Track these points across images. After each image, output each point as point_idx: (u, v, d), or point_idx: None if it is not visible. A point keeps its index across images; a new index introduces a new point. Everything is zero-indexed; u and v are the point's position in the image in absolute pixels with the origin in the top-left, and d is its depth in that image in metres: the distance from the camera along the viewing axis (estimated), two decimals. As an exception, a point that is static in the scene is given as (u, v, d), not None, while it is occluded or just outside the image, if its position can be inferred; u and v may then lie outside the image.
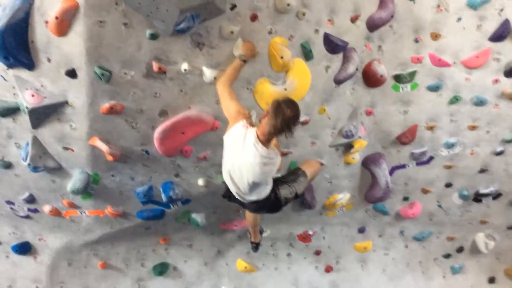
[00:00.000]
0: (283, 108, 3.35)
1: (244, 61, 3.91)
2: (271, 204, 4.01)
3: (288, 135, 3.44)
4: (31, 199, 5.02)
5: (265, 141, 3.48)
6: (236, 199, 3.99)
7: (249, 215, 4.70)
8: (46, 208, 5.12)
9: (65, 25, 3.59)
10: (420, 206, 6.35)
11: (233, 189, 3.84)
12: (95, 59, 3.74)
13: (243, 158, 3.56)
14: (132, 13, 3.60)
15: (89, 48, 3.68)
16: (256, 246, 5.19)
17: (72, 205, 5.02)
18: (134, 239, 5.77)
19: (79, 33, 3.61)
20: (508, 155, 5.93)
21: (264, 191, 3.88)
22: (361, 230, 6.52)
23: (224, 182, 3.96)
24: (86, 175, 4.58)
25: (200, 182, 4.90)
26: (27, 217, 5.33)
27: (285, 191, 4.03)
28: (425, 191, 6.22)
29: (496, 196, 6.40)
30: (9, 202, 5.17)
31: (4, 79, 4.05)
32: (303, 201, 5.68)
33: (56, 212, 5.15)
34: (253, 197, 3.87)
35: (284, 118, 3.33)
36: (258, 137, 3.45)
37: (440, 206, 6.44)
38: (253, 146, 3.46)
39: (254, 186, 3.72)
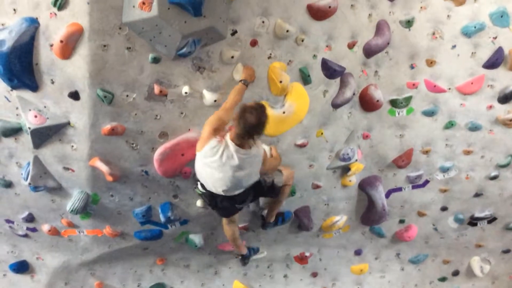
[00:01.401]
0: (246, 115, 3.57)
1: (246, 85, 4.01)
2: (254, 188, 4.20)
3: (256, 136, 3.72)
4: (30, 218, 5.04)
5: (240, 144, 3.72)
6: (213, 198, 4.20)
7: (227, 228, 4.82)
8: (45, 227, 5.14)
9: (70, 48, 3.68)
10: (416, 229, 6.37)
11: (217, 191, 4.05)
12: (98, 82, 3.82)
13: (227, 170, 3.80)
14: (135, 38, 3.70)
15: (93, 71, 3.75)
16: (243, 259, 5.29)
17: (71, 225, 5.04)
18: (131, 259, 5.77)
19: (83, 56, 3.69)
20: (503, 180, 5.98)
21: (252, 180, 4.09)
22: (358, 253, 6.53)
23: (201, 193, 4.26)
24: (86, 195, 4.61)
25: (198, 203, 4.93)
26: (26, 236, 5.34)
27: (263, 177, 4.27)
28: (421, 214, 6.26)
29: (491, 220, 6.44)
30: (8, 221, 5.18)
31: (8, 100, 4.12)
32: (300, 223, 5.71)
33: (55, 231, 5.17)
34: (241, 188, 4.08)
35: (246, 124, 3.56)
36: (233, 142, 3.70)
37: (435, 229, 6.47)
38: (235, 153, 3.72)
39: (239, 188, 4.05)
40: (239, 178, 3.89)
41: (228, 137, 3.75)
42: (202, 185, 4.14)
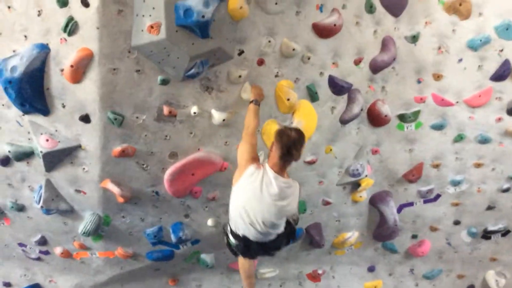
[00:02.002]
0: (286, 132, 3.47)
1: (258, 105, 3.97)
2: (287, 233, 3.92)
3: (296, 159, 3.50)
4: (42, 241, 5.07)
5: (279, 171, 3.51)
6: (247, 248, 3.84)
7: (244, 263, 4.43)
8: (58, 250, 5.16)
9: (80, 72, 3.74)
10: (429, 243, 6.32)
11: (252, 234, 3.68)
12: (108, 105, 3.87)
13: (266, 198, 3.48)
14: (144, 60, 3.75)
15: (103, 94, 3.81)
16: None
17: (83, 247, 5.06)
18: (143, 280, 5.76)
19: (93, 80, 3.75)
20: (515, 192, 5.95)
21: (283, 224, 3.80)
22: (371, 269, 6.47)
23: (233, 245, 3.87)
24: (97, 217, 4.64)
25: (209, 222, 4.93)
26: (38, 259, 5.37)
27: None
28: (433, 229, 6.21)
29: (505, 233, 6.37)
30: (21, 244, 5.22)
31: (20, 125, 4.19)
32: (311, 240, 5.69)
33: (67, 254, 5.19)
34: (274, 233, 3.77)
35: (290, 140, 3.41)
36: (272, 169, 3.49)
37: (449, 243, 6.41)
38: (274, 180, 3.46)
39: (275, 223, 3.67)
40: (280, 208, 3.54)
41: (266, 164, 3.57)
42: (234, 235, 3.81)
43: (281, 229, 3.77)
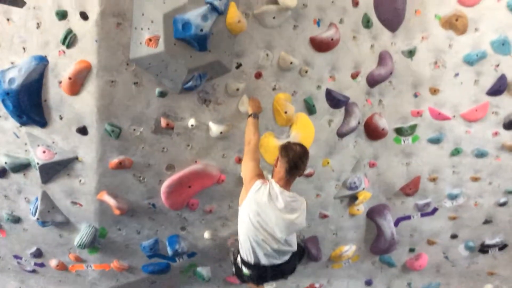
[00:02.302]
0: (291, 146, 3.53)
1: (257, 118, 4.00)
2: (299, 252, 3.89)
3: (301, 173, 3.57)
4: (38, 254, 5.03)
5: (285, 186, 3.53)
6: (261, 276, 3.76)
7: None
8: (53, 263, 5.12)
9: (78, 85, 3.75)
10: (426, 257, 6.30)
11: (265, 255, 3.62)
12: (106, 117, 3.87)
13: (275, 211, 3.45)
14: (142, 73, 3.77)
15: (101, 106, 3.82)
16: None
17: (79, 259, 5.02)
18: (139, 293, 5.73)
19: (91, 93, 3.76)
20: (512, 206, 5.95)
21: (295, 241, 3.77)
22: (368, 283, 6.44)
23: (246, 275, 3.79)
24: (93, 229, 4.62)
25: (206, 235, 4.91)
26: (34, 271, 5.32)
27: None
28: (431, 242, 6.20)
29: (502, 247, 6.36)
30: (16, 257, 5.18)
31: (17, 136, 4.18)
32: (308, 254, 5.66)
33: (63, 267, 5.15)
34: (288, 251, 3.72)
35: (295, 154, 3.47)
36: (277, 184, 3.51)
37: (446, 257, 6.39)
38: (280, 194, 3.46)
39: (287, 238, 3.62)
40: (289, 222, 3.49)
41: (272, 179, 3.58)
42: (246, 264, 3.74)
43: (294, 246, 3.74)
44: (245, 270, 3.77)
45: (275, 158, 3.62)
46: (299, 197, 3.63)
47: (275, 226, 3.49)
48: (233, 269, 3.99)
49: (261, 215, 3.48)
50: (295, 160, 3.47)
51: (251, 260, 3.67)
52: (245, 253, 3.68)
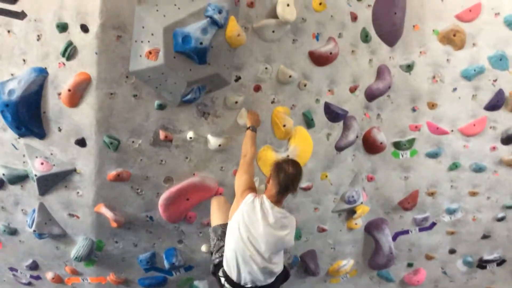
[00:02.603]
0: (284, 166, 3.46)
1: (255, 131, 4.00)
2: (283, 276, 3.76)
3: (293, 192, 3.52)
4: (34, 266, 4.99)
5: (276, 202, 3.47)
6: None
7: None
8: (49, 275, 5.07)
9: (77, 96, 3.76)
10: (424, 272, 6.27)
11: (246, 275, 3.48)
12: (104, 129, 3.87)
13: (265, 226, 3.38)
14: (141, 85, 3.78)
15: (100, 118, 3.82)
16: None
17: (75, 272, 4.97)
18: (135, 307, 5.68)
19: (90, 104, 3.77)
20: (510, 221, 5.94)
21: (281, 261, 3.66)
22: (366, 298, 6.41)
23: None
24: (90, 242, 4.59)
25: (203, 248, 4.88)
26: (29, 284, 5.26)
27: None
28: (429, 257, 6.17)
29: (501, 262, 6.34)
30: (12, 269, 5.13)
31: (15, 148, 4.17)
32: (306, 268, 5.63)
33: (59, 279, 5.10)
34: (272, 276, 3.57)
35: (286, 175, 3.41)
36: (268, 199, 3.46)
37: (445, 272, 6.36)
38: (270, 210, 3.41)
39: (274, 256, 3.50)
40: (278, 238, 3.42)
41: (263, 195, 3.51)
42: (229, 281, 3.60)
43: (280, 266, 3.62)
44: (226, 285, 3.64)
45: (268, 174, 3.59)
46: (289, 215, 3.56)
47: (262, 242, 3.38)
48: (211, 269, 3.86)
49: (251, 230, 3.39)
50: (286, 183, 3.41)
51: (234, 277, 3.54)
52: (230, 268, 3.55)
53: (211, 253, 3.95)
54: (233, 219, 3.50)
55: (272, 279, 3.59)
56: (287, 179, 3.41)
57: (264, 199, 3.46)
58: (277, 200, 3.48)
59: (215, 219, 4.10)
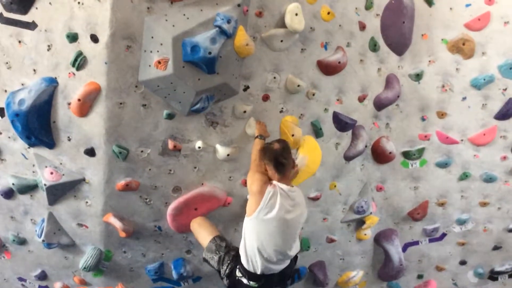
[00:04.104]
0: (268, 147, 3.68)
1: (264, 139, 4.05)
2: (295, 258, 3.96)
3: (291, 165, 3.68)
4: (43, 276, 4.99)
5: (287, 182, 3.67)
6: (261, 284, 3.74)
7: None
8: (57, 286, 5.07)
9: (87, 106, 3.77)
10: (435, 284, 6.20)
11: (273, 265, 3.66)
12: (114, 139, 3.88)
13: (290, 212, 3.59)
14: (150, 95, 3.79)
15: (109, 128, 3.83)
16: None
17: (83, 282, 4.97)
18: (143, 318, 5.65)
19: (99, 114, 3.78)
20: (522, 232, 5.87)
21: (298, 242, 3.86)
22: (376, 310, 6.34)
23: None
24: (99, 252, 4.58)
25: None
26: (38, 294, 5.29)
27: None
28: (439, 269, 6.11)
29: (512, 274, 6.28)
30: (21, 279, 5.14)
31: (25, 157, 4.20)
32: (315, 279, 5.59)
33: (67, 290, 5.11)
34: (294, 252, 3.79)
35: (273, 152, 3.61)
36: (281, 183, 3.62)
37: (455, 284, 6.29)
38: (288, 192, 3.59)
39: (295, 240, 3.76)
40: (299, 215, 3.69)
41: (275, 182, 3.64)
42: (252, 276, 3.70)
43: (298, 246, 3.84)
44: (251, 283, 3.72)
45: (262, 165, 3.74)
46: (297, 189, 3.75)
47: (287, 229, 3.60)
48: (226, 283, 3.95)
49: (279, 221, 3.54)
50: (275, 157, 3.60)
51: (258, 270, 3.65)
52: (253, 264, 3.65)
53: (219, 272, 4.00)
54: (254, 217, 3.57)
55: (288, 263, 3.81)
56: (275, 154, 3.60)
57: (279, 185, 3.60)
58: (284, 179, 3.66)
59: (204, 238, 4.15)
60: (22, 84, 3.88)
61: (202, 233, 4.18)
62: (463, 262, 6.10)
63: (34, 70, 3.83)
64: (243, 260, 3.69)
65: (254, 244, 3.58)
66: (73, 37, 3.63)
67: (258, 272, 3.65)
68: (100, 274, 4.86)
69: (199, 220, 4.30)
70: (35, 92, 3.78)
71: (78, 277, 4.93)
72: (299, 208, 3.68)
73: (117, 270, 4.86)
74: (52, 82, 3.79)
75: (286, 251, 3.67)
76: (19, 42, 3.78)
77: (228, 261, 3.86)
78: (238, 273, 3.77)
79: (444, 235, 5.81)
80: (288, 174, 3.70)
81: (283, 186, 3.60)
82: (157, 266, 4.84)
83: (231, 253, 3.90)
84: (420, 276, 6.14)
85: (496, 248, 6.00)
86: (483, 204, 5.62)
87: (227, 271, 3.86)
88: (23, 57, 3.82)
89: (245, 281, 3.73)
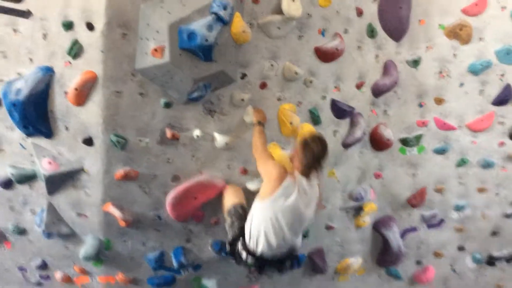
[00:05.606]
0: (311, 145, 3.55)
1: (263, 125, 4.05)
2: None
3: (319, 170, 3.65)
4: (43, 266, 5.00)
5: (307, 175, 3.64)
6: (257, 264, 3.83)
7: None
8: (58, 275, 5.09)
9: (84, 95, 3.77)
10: (433, 270, 6.23)
11: (274, 249, 3.71)
12: (111, 128, 3.88)
13: (302, 210, 3.64)
14: (147, 83, 3.79)
15: (106, 117, 3.83)
16: None
17: (84, 272, 4.98)
18: (144, 306, 5.68)
19: (97, 103, 3.78)
20: (520, 218, 5.90)
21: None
22: (375, 296, 6.38)
23: (250, 264, 3.81)
24: (99, 241, 4.60)
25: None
26: (39, 284, 5.27)
27: None
28: (437, 255, 6.13)
29: (510, 259, 6.29)
30: (21, 269, 5.15)
31: (23, 147, 4.19)
32: (314, 266, 5.62)
33: (68, 279, 5.11)
34: (293, 245, 3.84)
35: (314, 155, 3.54)
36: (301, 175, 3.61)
37: (453, 270, 6.32)
38: (306, 187, 3.61)
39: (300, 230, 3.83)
40: (307, 215, 3.73)
41: (296, 171, 3.65)
42: (251, 254, 3.77)
43: (300, 241, 3.91)
44: (249, 260, 3.78)
45: (294, 149, 3.71)
46: (315, 184, 3.74)
47: (298, 221, 3.67)
48: (228, 249, 4.02)
49: (292, 211, 3.58)
50: (313, 162, 3.57)
51: (258, 251, 3.71)
52: (255, 244, 3.71)
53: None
54: (268, 202, 3.58)
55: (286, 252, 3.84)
56: (315, 160, 3.57)
57: (300, 178, 3.60)
58: (307, 175, 3.63)
59: (228, 201, 4.20)
60: (19, 74, 3.87)
61: (231, 197, 4.23)
62: (461, 248, 6.12)
63: (30, 59, 3.82)
64: (246, 236, 3.75)
65: (261, 227, 3.62)
66: (68, 26, 3.63)
67: (257, 253, 3.71)
68: (101, 263, 4.87)
69: (234, 188, 4.35)
70: (32, 81, 3.77)
71: (79, 266, 4.93)
72: (313, 202, 3.73)
73: (117, 259, 4.87)
74: (49, 71, 3.79)
75: (288, 241, 3.71)
76: (14, 31, 3.77)
77: (235, 229, 3.92)
78: (239, 245, 3.82)
79: (442, 221, 5.83)
80: (312, 172, 3.68)
81: (303, 179, 3.61)
82: (157, 255, 4.85)
83: (242, 222, 3.93)
84: (418, 262, 6.16)
85: (493, 233, 6.03)
86: (481, 190, 5.63)
87: (230, 238, 3.92)
88: (18, 46, 3.81)
89: (244, 255, 3.78)
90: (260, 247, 3.68)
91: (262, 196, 3.64)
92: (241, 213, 4.02)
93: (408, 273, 6.23)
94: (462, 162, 5.40)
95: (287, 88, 4.28)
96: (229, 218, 4.04)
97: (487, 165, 5.45)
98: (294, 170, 3.66)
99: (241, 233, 3.87)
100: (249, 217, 3.75)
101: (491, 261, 6.29)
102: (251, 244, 3.73)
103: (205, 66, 3.68)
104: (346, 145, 4.84)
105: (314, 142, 3.58)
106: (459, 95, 5.03)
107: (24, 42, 3.78)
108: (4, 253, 5.07)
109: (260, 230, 3.63)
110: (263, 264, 3.80)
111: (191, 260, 4.92)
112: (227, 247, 4.01)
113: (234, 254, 3.94)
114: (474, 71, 4.93)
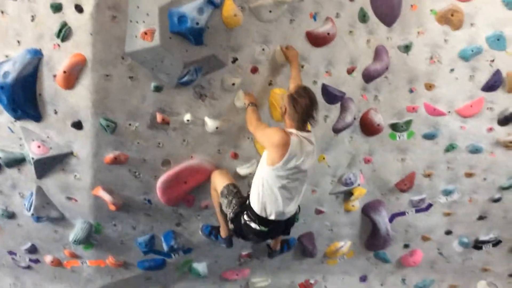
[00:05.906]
0: (298, 100, 3.53)
1: (256, 105, 4.02)
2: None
3: (312, 122, 3.66)
4: (33, 249, 5.01)
5: (304, 128, 3.67)
6: (274, 231, 3.97)
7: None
8: (48, 259, 5.10)
9: (73, 78, 3.73)
10: (421, 253, 6.32)
11: (286, 210, 3.76)
12: (101, 111, 3.85)
13: (312, 156, 3.71)
14: (137, 67, 3.75)
15: (95, 101, 3.80)
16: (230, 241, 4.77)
17: (74, 255, 5.00)
18: (134, 289, 5.71)
19: (86, 86, 3.74)
20: (506, 202, 5.95)
21: None
22: (363, 279, 6.45)
23: (262, 231, 3.84)
24: (89, 225, 4.60)
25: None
26: (28, 267, 5.30)
27: None
28: (425, 239, 6.21)
29: (496, 243, 6.38)
30: (11, 253, 5.16)
31: (11, 131, 4.15)
32: (304, 250, 5.67)
33: (58, 263, 5.13)
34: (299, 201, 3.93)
35: (303, 108, 3.53)
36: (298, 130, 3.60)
37: (441, 253, 6.41)
38: (306, 139, 3.61)
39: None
40: (312, 166, 3.78)
41: (292, 130, 3.60)
42: (262, 221, 3.78)
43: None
44: (261, 227, 3.79)
45: (282, 107, 3.68)
46: (311, 134, 3.74)
47: (305, 177, 3.76)
48: (231, 227, 4.05)
49: (301, 171, 3.64)
50: (304, 116, 3.57)
51: (273, 215, 3.74)
52: (267, 211, 3.72)
53: (227, 217, 4.06)
54: (279, 164, 3.53)
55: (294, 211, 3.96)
56: (305, 113, 3.55)
57: (297, 133, 3.58)
58: (302, 128, 3.64)
59: (220, 184, 4.18)
60: (6, 56, 3.81)
61: (220, 180, 4.21)
62: (448, 232, 6.20)
63: (18, 42, 3.76)
64: (255, 206, 3.73)
65: (275, 190, 3.62)
66: (57, 7, 3.57)
67: (272, 217, 3.73)
68: (91, 247, 4.89)
69: (220, 171, 4.36)
70: (20, 64, 3.73)
71: (69, 250, 4.95)
72: (315, 151, 3.76)
73: (107, 243, 4.89)
74: (37, 54, 3.74)
75: (299, 200, 3.86)
76: (2, 12, 3.70)
77: (234, 206, 3.93)
78: (245, 217, 3.82)
79: (430, 205, 5.89)
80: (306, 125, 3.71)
81: (303, 133, 3.60)
82: (148, 238, 4.87)
83: (239, 199, 3.96)
84: (406, 246, 6.24)
85: (481, 218, 6.10)
86: (469, 175, 5.68)
87: (231, 215, 3.93)
88: (6, 28, 3.75)
89: (253, 225, 3.79)
90: (274, 212, 3.72)
91: (270, 163, 3.56)
92: (236, 190, 4.05)
93: (396, 256, 6.32)
94: (450, 148, 5.43)
95: (278, 72, 4.26)
96: (225, 198, 4.03)
97: (475, 150, 5.48)
98: (289, 128, 3.62)
99: (240, 207, 3.89)
100: (256, 185, 3.72)
101: (478, 245, 6.38)
102: (263, 212, 3.73)
103: (196, 50, 3.65)
104: (336, 130, 4.85)
105: (301, 97, 3.54)
106: (450, 81, 5.04)
107: (12, 24, 3.71)
108: (-7, 237, 5.07)
109: (276, 194, 3.64)
110: (276, 228, 3.88)
111: (182, 244, 4.95)
112: (231, 226, 4.04)
113: (238, 230, 3.98)
114: (465, 56, 4.93)
